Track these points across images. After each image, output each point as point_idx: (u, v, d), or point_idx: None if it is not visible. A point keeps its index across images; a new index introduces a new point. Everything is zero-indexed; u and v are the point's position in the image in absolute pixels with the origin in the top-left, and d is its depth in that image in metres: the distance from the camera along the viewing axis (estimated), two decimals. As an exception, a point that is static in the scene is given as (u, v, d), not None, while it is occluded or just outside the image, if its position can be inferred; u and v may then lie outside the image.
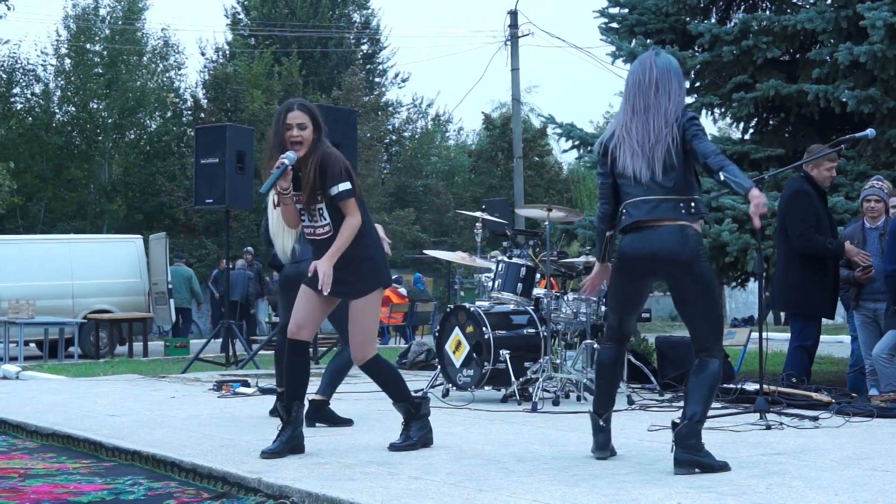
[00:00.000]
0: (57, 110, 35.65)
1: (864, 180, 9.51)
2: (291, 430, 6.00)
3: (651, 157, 5.55)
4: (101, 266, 21.05)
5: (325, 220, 5.97)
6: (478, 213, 9.94)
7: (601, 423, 5.76)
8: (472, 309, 9.12)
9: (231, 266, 15.42)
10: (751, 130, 12.33)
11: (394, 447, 6.13)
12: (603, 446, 5.76)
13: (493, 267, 9.33)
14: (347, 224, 5.92)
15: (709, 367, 5.45)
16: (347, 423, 7.49)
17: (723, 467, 5.29)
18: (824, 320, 9.04)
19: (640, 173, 5.58)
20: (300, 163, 5.91)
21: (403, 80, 43.69)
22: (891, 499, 4.49)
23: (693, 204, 5.55)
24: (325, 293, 5.86)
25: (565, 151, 26.78)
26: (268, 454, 5.87)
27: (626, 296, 5.78)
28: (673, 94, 5.66)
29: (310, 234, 6.09)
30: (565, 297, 9.23)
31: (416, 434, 6.23)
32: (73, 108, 35.36)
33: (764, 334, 7.81)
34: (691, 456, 5.25)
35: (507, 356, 8.82)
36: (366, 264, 6.03)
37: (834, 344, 15.69)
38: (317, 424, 7.34)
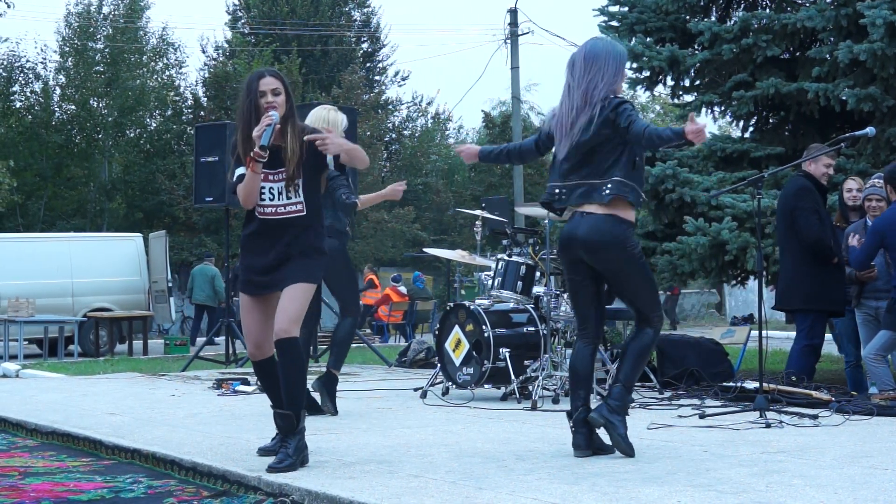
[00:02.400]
0: (57, 108, 35.66)
1: (864, 179, 9.51)
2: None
3: (572, 135, 5.71)
4: (101, 264, 21.06)
5: (299, 197, 5.67)
6: (477, 212, 9.94)
7: (570, 424, 5.82)
8: (471, 307, 9.11)
9: (228, 265, 15.40)
10: (750, 129, 12.33)
11: (273, 469, 5.33)
12: (577, 445, 5.78)
13: (493, 265, 9.33)
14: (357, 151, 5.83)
15: (643, 336, 5.84)
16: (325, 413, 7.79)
17: (624, 449, 5.61)
18: None
19: (562, 152, 5.85)
20: (277, 136, 5.59)
21: (403, 79, 43.69)
22: (890, 497, 4.49)
23: (609, 186, 5.68)
24: (327, 146, 5.54)
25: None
26: (265, 452, 5.84)
27: (572, 284, 5.98)
28: (605, 74, 5.75)
29: (271, 213, 5.66)
30: (565, 296, 9.22)
31: (294, 453, 5.46)
32: (73, 107, 35.36)
33: (763, 332, 7.81)
34: (608, 416, 5.61)
35: (507, 354, 8.82)
36: (315, 258, 5.72)
37: (833, 342, 15.66)
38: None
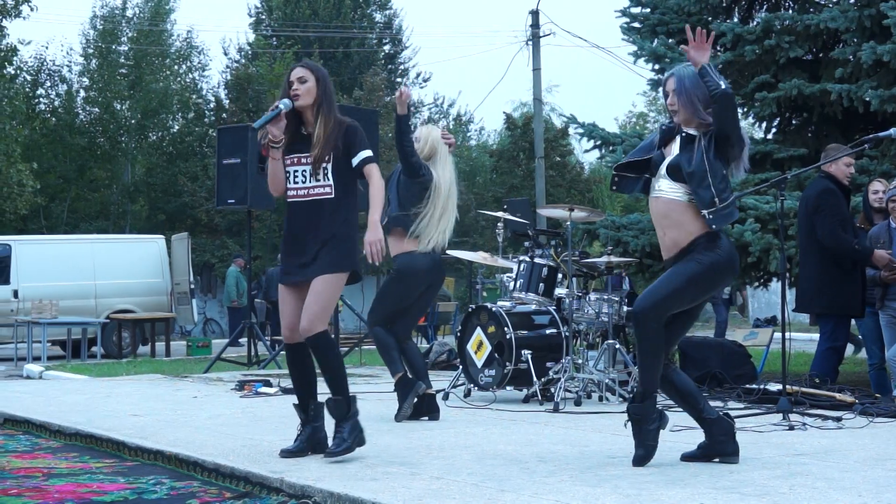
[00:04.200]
0: (80, 111, 35.81)
1: (889, 180, 9.46)
2: (311, 429, 6.04)
3: None
4: (124, 266, 21.15)
5: (328, 180, 5.94)
6: (499, 214, 9.93)
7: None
8: (493, 309, 9.11)
9: (250, 266, 15.48)
10: (773, 130, 12.31)
11: (330, 454, 5.74)
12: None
13: (515, 267, 9.33)
14: (376, 187, 5.92)
15: None
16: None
17: None
18: None
19: None
20: (305, 120, 6.02)
21: (425, 80, 43.71)
22: (915, 500, 4.47)
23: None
24: (377, 263, 5.81)
25: (587, 151, 26.83)
26: (287, 454, 5.89)
27: None
28: None
29: (303, 195, 5.98)
30: (587, 298, 9.21)
31: (349, 436, 5.83)
32: (96, 109, 35.51)
33: (787, 334, 7.78)
34: None
35: (529, 356, 8.82)
36: (345, 244, 5.95)
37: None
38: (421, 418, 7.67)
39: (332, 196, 5.94)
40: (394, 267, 8.01)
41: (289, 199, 6.07)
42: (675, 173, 5.62)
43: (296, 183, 6.02)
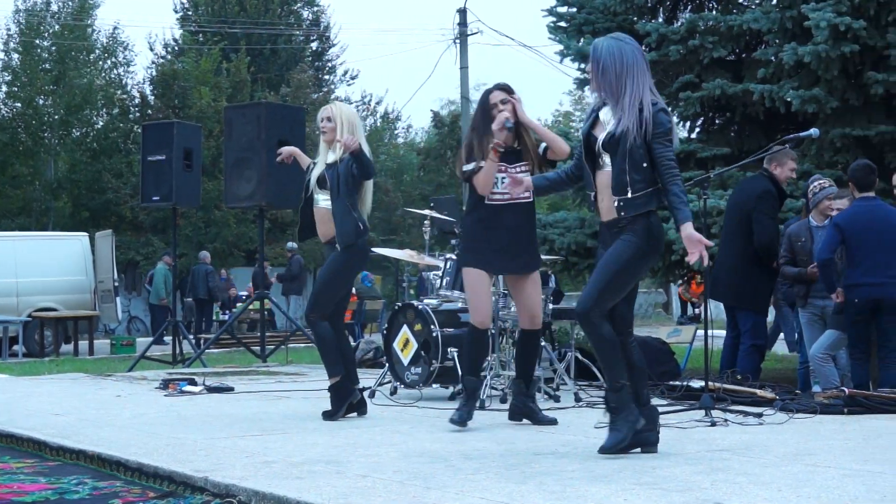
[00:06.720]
0: (2, 106, 35.23)
1: (809, 179, 9.58)
2: (474, 403, 7.19)
3: None
4: (47, 264, 20.86)
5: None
6: (426, 212, 9.94)
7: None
8: (420, 307, 9.12)
9: (176, 264, 15.37)
10: (697, 129, 12.43)
11: (603, 451, 5.74)
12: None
13: (442, 265, 9.34)
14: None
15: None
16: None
17: None
18: None
19: None
20: (516, 134, 7.08)
21: (352, 78, 43.65)
22: (833, 494, 4.54)
23: None
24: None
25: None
26: (456, 422, 6.94)
27: None
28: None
29: (508, 199, 6.99)
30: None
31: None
32: (18, 105, 34.96)
33: (709, 332, 7.88)
34: None
35: (455, 354, 8.83)
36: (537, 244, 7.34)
37: (779, 342, 15.81)
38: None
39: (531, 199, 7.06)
40: (344, 248, 7.86)
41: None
42: (610, 147, 5.75)
43: (499, 186, 7.03)
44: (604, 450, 5.66)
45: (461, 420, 6.96)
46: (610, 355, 5.74)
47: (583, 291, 5.82)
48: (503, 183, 6.90)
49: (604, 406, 5.89)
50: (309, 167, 8.23)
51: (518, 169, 6.99)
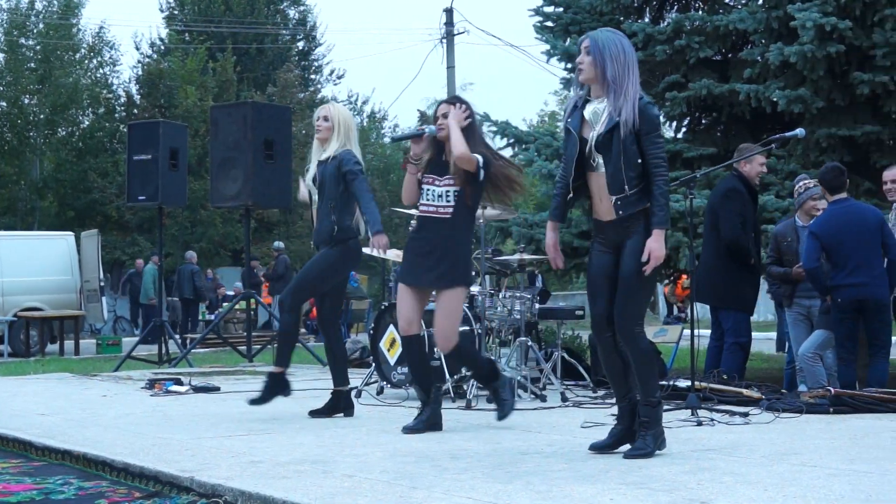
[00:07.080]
0: (-14, 105, 35.13)
1: (795, 179, 9.61)
2: (431, 410, 6.89)
3: None
4: (32, 263, 20.80)
5: (450, 203, 6.87)
6: (412, 211, 9.91)
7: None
8: (406, 306, 9.09)
9: (162, 264, 15.37)
10: (683, 129, 12.44)
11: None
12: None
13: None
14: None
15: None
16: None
17: None
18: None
19: None
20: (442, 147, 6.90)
21: (339, 77, 43.62)
22: (818, 493, 4.55)
23: None
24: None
25: (500, 149, 26.80)
26: (409, 430, 6.72)
27: None
28: None
29: (432, 212, 6.95)
30: (500, 295, 9.25)
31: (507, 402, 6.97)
32: (3, 104, 34.84)
33: (695, 331, 7.89)
34: None
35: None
36: (462, 261, 6.98)
37: (764, 341, 15.87)
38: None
39: (451, 217, 6.92)
40: (343, 241, 7.87)
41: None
42: (603, 147, 5.71)
43: (426, 200, 6.99)
44: (628, 455, 5.63)
45: (410, 429, 6.79)
46: (648, 370, 5.75)
47: (616, 308, 5.72)
48: (428, 195, 6.95)
49: (615, 416, 5.97)
50: None
51: (445, 181, 6.90)
